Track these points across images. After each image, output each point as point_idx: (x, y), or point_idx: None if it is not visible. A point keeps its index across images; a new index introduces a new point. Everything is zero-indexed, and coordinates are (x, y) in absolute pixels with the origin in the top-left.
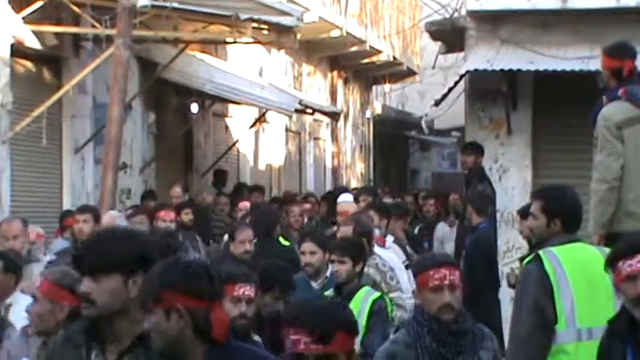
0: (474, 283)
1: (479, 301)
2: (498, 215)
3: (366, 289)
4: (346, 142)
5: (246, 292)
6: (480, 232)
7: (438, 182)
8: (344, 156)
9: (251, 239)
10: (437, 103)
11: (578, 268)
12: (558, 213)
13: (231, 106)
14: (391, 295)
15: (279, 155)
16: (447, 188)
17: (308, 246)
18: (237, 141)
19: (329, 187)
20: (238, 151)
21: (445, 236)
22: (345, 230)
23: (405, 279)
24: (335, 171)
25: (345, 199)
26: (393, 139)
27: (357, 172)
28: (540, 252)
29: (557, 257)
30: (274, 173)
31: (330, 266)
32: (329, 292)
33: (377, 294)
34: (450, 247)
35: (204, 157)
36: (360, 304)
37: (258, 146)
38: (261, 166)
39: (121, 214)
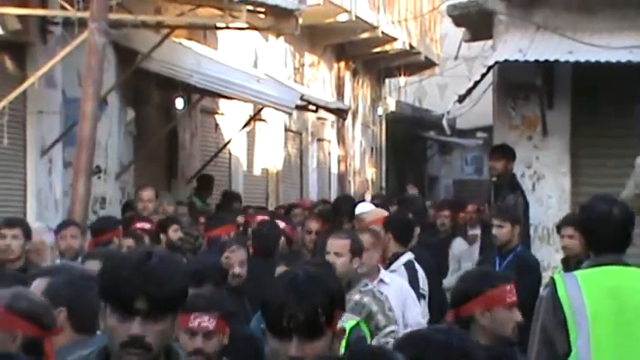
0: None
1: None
2: (532, 230)
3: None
4: (355, 144)
5: (203, 324)
6: (524, 254)
7: (460, 191)
8: (352, 160)
9: (243, 261)
10: (460, 99)
11: (605, 297)
12: (591, 229)
13: (221, 102)
14: (390, 328)
15: (276, 159)
16: (472, 198)
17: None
18: (228, 142)
19: (334, 195)
20: (230, 154)
21: (463, 255)
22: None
23: (419, 311)
24: (341, 177)
25: (366, 208)
26: (409, 141)
27: (366, 179)
28: (556, 276)
29: (577, 283)
30: (271, 180)
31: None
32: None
33: (353, 321)
34: (468, 267)
35: (190, 161)
36: None
37: (253, 148)
38: (256, 171)
39: (46, 227)
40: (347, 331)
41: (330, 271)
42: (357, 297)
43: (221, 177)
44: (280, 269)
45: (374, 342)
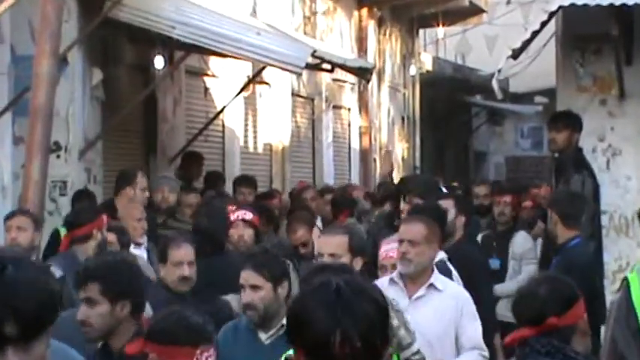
0: None
1: None
2: (605, 218)
3: None
4: (381, 113)
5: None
6: (572, 253)
7: (515, 170)
8: (377, 133)
9: (191, 260)
10: (514, 55)
11: None
12: None
13: (212, 61)
14: (415, 347)
15: (282, 132)
16: (528, 180)
17: (248, 277)
18: (221, 111)
19: (355, 178)
20: (223, 126)
21: (526, 253)
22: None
23: (479, 329)
24: (364, 155)
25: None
26: (450, 108)
27: (396, 156)
28: (631, 275)
29: None
30: (276, 158)
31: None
32: (288, 354)
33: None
34: (530, 271)
35: (173, 135)
36: None
37: (254, 119)
38: (257, 148)
39: None
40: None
41: (365, 279)
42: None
43: (212, 155)
44: (245, 275)
45: None
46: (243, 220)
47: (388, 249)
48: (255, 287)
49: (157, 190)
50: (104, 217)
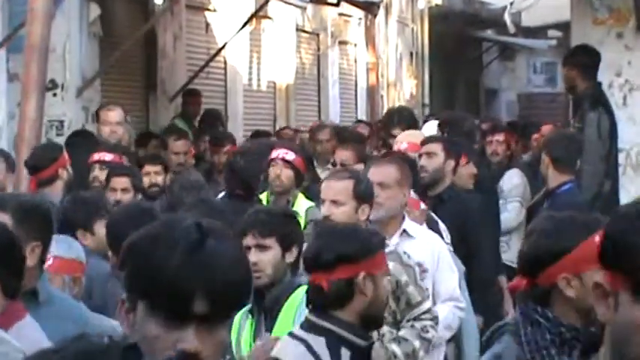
0: None
1: None
2: (621, 156)
3: (301, 293)
4: (388, 49)
5: None
6: (561, 199)
7: (528, 108)
8: (385, 69)
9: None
10: None
11: None
12: None
13: None
14: (425, 306)
15: (286, 69)
16: (542, 117)
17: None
18: (223, 47)
19: (362, 116)
20: (225, 63)
21: (512, 190)
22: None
23: (455, 279)
24: (372, 92)
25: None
26: (460, 43)
27: (404, 92)
28: None
29: None
30: (280, 96)
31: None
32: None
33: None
34: (510, 210)
35: (173, 72)
36: (294, 320)
37: (256, 55)
38: (261, 85)
39: None
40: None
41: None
42: None
43: (214, 93)
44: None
45: (406, 332)
46: (284, 160)
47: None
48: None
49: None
50: (66, 155)
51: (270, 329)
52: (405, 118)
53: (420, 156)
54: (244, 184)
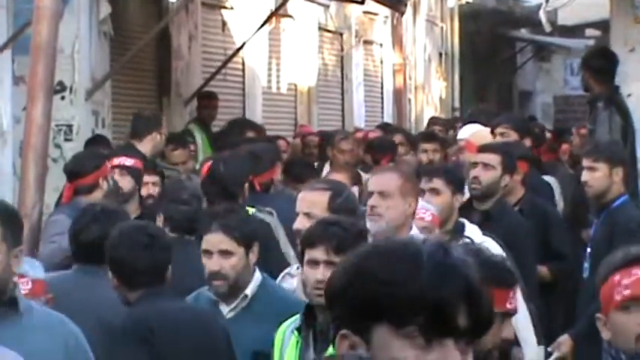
0: None
1: None
2: None
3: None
4: (416, 49)
5: None
6: (619, 213)
7: (564, 111)
8: (412, 70)
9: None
10: None
11: None
12: None
13: None
14: None
15: (308, 70)
16: (579, 121)
17: (215, 240)
18: (241, 47)
19: (388, 120)
20: (243, 64)
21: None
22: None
23: None
24: (398, 95)
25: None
26: (492, 43)
27: (433, 95)
28: None
29: None
30: (301, 99)
31: (257, 275)
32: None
33: None
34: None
35: (188, 73)
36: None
37: (277, 56)
38: (281, 88)
39: None
40: None
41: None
42: None
43: (232, 96)
44: (212, 239)
45: None
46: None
47: (420, 208)
48: (226, 253)
49: None
50: (109, 164)
51: (322, 351)
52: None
53: (475, 164)
54: (225, 192)
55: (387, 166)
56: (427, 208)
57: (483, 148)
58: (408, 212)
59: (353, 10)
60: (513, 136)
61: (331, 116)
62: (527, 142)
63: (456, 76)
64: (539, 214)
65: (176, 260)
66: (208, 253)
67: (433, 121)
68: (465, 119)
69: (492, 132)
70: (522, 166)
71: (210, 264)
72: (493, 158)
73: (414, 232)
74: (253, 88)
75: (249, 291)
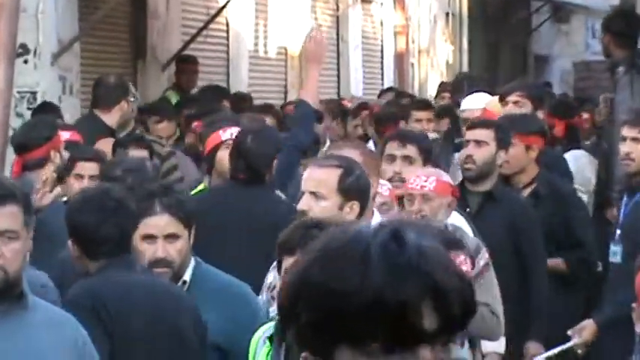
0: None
1: None
2: None
3: None
4: (420, 8)
5: None
6: None
7: (585, 78)
8: (416, 33)
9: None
10: None
11: None
12: None
13: None
14: None
15: (299, 32)
16: (601, 90)
17: (161, 223)
18: (225, 5)
19: (389, 85)
20: (227, 26)
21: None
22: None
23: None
24: (400, 60)
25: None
26: (504, 2)
27: (439, 60)
28: None
29: None
30: (292, 64)
31: (192, 260)
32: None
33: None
34: None
35: (166, 35)
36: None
37: (264, 15)
38: (269, 51)
39: None
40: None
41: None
42: None
43: (214, 60)
44: (153, 221)
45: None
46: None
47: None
48: (172, 237)
49: None
50: (61, 135)
51: None
52: (476, 86)
53: (467, 142)
54: (250, 169)
55: (345, 142)
56: (383, 183)
57: (473, 124)
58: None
59: None
60: (528, 105)
61: (326, 83)
62: (541, 114)
63: (465, 39)
64: (556, 196)
65: None
66: (151, 237)
67: (443, 87)
68: (466, 88)
69: (503, 100)
70: (537, 142)
71: (154, 250)
72: (486, 134)
73: (376, 215)
74: (238, 52)
75: (187, 277)
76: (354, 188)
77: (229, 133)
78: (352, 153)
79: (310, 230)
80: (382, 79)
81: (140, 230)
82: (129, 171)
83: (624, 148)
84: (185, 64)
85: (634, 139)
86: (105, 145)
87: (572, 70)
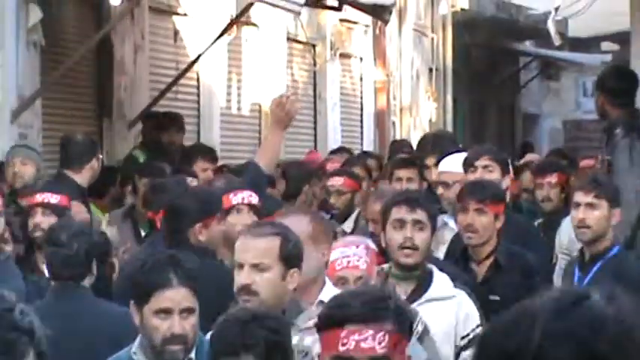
0: None
1: None
2: None
3: None
4: (402, 64)
5: None
6: (623, 266)
7: (576, 138)
8: (397, 89)
9: None
10: None
11: None
12: None
13: None
14: None
15: (274, 87)
16: (593, 150)
17: (178, 297)
18: (196, 60)
19: (369, 146)
20: (198, 81)
21: (573, 244)
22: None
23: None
24: (381, 117)
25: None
26: (492, 58)
27: (421, 118)
28: None
29: None
30: (266, 122)
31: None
32: None
33: None
34: None
35: (134, 91)
36: None
37: (238, 71)
38: (242, 108)
39: None
40: None
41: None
42: (295, 339)
43: (184, 117)
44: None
45: None
46: (249, 205)
47: (346, 253)
48: (188, 311)
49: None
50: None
51: None
52: (441, 145)
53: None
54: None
55: (296, 208)
56: (357, 254)
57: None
58: (321, 262)
59: (328, 17)
60: (497, 170)
61: (302, 142)
62: (508, 180)
63: (449, 96)
64: (520, 267)
65: (65, 313)
66: (166, 312)
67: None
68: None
69: (471, 165)
70: (502, 210)
71: (169, 325)
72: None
73: (329, 286)
74: (210, 109)
75: (193, 353)
76: (294, 255)
77: None
78: (301, 220)
79: (254, 329)
80: (362, 138)
81: (152, 304)
82: (74, 236)
83: (578, 214)
84: (155, 121)
85: (589, 205)
86: (78, 208)
87: (561, 130)
